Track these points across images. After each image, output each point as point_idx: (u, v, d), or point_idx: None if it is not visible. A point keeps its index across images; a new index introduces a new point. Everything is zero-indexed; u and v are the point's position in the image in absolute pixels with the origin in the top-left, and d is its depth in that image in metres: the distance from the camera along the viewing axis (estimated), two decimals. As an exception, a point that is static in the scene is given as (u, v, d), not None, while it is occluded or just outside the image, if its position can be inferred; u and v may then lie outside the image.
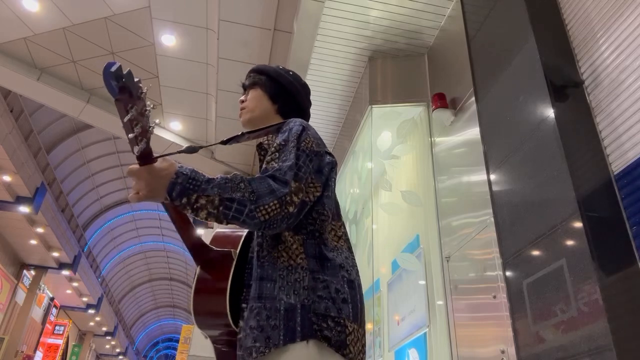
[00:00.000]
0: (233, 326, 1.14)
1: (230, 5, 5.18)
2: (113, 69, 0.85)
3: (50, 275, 16.35)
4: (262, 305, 1.08)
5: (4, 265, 14.19)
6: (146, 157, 1.01)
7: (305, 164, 1.17)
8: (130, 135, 0.95)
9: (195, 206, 1.02)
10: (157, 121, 1.02)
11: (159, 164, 1.03)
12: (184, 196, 1.02)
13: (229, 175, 1.08)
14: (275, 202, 1.05)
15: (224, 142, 1.24)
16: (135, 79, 0.91)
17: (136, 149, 0.98)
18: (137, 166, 1.03)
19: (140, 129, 0.94)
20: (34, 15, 6.30)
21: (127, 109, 0.92)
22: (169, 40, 6.20)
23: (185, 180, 1.03)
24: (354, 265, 1.23)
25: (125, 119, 0.92)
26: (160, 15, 5.94)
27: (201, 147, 1.14)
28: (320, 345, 1.04)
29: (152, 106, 0.98)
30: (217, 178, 1.06)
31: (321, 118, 5.33)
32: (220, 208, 1.03)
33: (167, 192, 1.02)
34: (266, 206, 1.04)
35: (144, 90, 0.94)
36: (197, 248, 1.23)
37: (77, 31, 6.54)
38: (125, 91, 0.89)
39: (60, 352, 19.03)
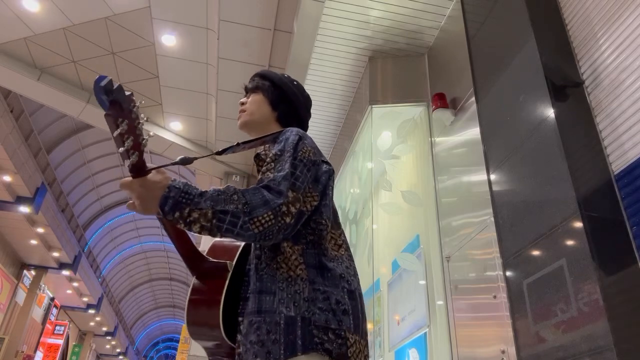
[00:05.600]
0: (226, 339, 1.13)
1: (230, 5, 5.18)
2: (103, 83, 0.85)
3: (51, 275, 16.35)
4: (262, 320, 1.07)
5: (4, 265, 14.19)
6: (138, 170, 1.00)
7: (302, 173, 1.15)
8: (121, 149, 0.94)
9: (188, 220, 1.01)
10: (151, 134, 1.01)
11: (152, 176, 1.02)
12: (177, 210, 1.01)
13: (222, 188, 1.07)
14: (270, 213, 1.04)
15: (219, 153, 1.23)
16: (127, 93, 0.90)
17: (127, 162, 0.97)
18: (129, 179, 1.02)
19: (131, 142, 0.94)
20: (34, 15, 6.30)
21: (117, 123, 0.91)
22: (169, 40, 6.20)
23: (177, 194, 1.02)
24: (355, 275, 1.21)
25: (115, 133, 0.92)
26: (160, 15, 5.93)
27: (195, 159, 1.12)
28: (322, 358, 1.03)
29: (145, 119, 0.97)
30: (209, 191, 1.05)
31: (321, 118, 5.33)
32: (214, 221, 1.02)
33: (159, 206, 1.01)
34: (260, 217, 1.03)
35: (137, 104, 0.93)
36: (192, 259, 1.20)
37: (77, 31, 6.54)
38: (115, 105, 0.88)
39: (60, 352, 19.03)
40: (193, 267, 1.21)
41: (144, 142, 0.98)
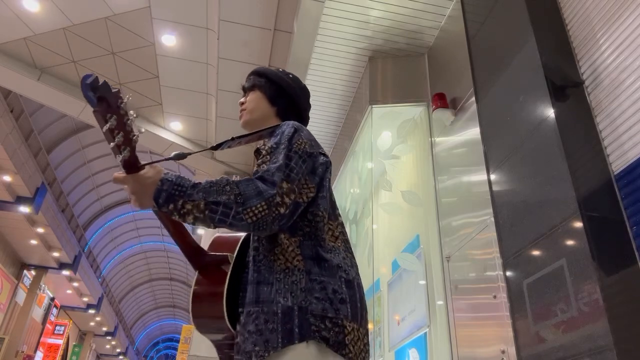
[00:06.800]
0: (232, 330, 1.15)
1: (230, 5, 5.18)
2: (88, 80, 0.88)
3: (51, 275, 16.35)
4: (260, 310, 1.09)
5: (4, 265, 14.19)
6: (131, 166, 1.03)
7: (297, 165, 1.17)
8: (112, 144, 0.97)
9: (182, 212, 1.04)
10: (142, 130, 1.04)
11: (145, 171, 1.05)
12: (170, 202, 1.04)
13: (214, 179, 1.09)
14: (263, 203, 1.06)
15: (214, 148, 1.24)
16: (114, 90, 0.94)
17: (119, 157, 1.00)
18: (123, 174, 1.05)
19: (122, 138, 0.97)
20: (34, 15, 6.30)
21: (106, 118, 0.94)
22: (169, 40, 6.20)
23: (170, 186, 1.05)
24: (353, 265, 1.23)
25: (105, 129, 0.95)
26: (160, 15, 5.94)
27: (190, 154, 1.14)
28: (320, 346, 1.04)
29: (134, 115, 1.00)
30: (202, 182, 1.08)
31: (321, 118, 5.33)
32: (206, 212, 1.04)
33: (153, 199, 1.04)
34: (253, 208, 1.05)
35: (124, 100, 0.96)
36: (193, 253, 1.23)
37: (77, 31, 6.54)
38: (102, 101, 0.92)
39: (60, 352, 19.02)
40: (194, 261, 1.24)
41: (134, 138, 1.00)
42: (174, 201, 1.04)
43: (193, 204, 1.04)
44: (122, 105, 0.96)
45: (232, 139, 1.28)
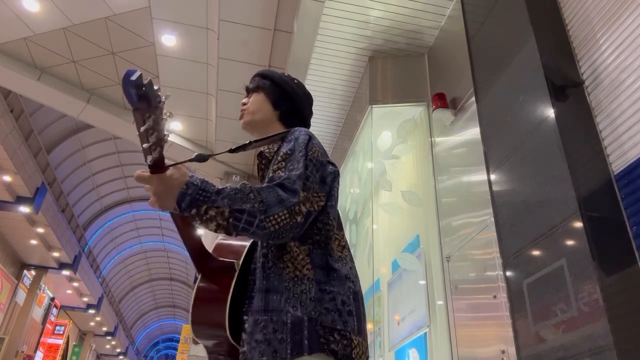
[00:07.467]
0: (230, 339, 1.13)
1: (230, 5, 5.18)
2: (133, 77, 0.83)
3: (51, 275, 16.35)
4: (269, 319, 1.07)
5: (4, 265, 14.19)
6: (158, 166, 0.99)
7: (312, 173, 1.17)
8: (145, 145, 0.93)
9: (204, 217, 1.01)
10: (172, 128, 0.99)
11: (170, 173, 1.01)
12: (194, 207, 1.01)
13: (238, 186, 1.06)
14: (285, 211, 1.05)
15: (232, 151, 1.23)
16: (155, 87, 0.89)
17: (149, 158, 0.96)
18: (147, 172, 1.01)
19: (155, 139, 0.92)
20: (34, 15, 6.30)
21: (145, 118, 0.89)
22: (169, 40, 6.20)
23: (195, 191, 1.01)
24: (357, 276, 1.23)
25: (142, 129, 0.90)
26: (160, 15, 5.94)
27: (210, 156, 1.11)
28: (328, 359, 1.04)
29: (168, 114, 0.95)
30: (226, 188, 1.05)
31: (321, 118, 5.33)
32: (230, 220, 1.01)
33: (176, 203, 1.01)
34: (276, 216, 1.03)
35: (163, 99, 0.91)
36: (200, 257, 1.21)
37: (77, 31, 6.55)
38: (144, 100, 0.86)
39: (60, 352, 19.02)
40: (200, 266, 1.21)
41: (165, 137, 0.96)
42: (197, 206, 1.01)
43: (217, 211, 1.01)
44: (160, 105, 0.91)
45: (250, 142, 1.27)
